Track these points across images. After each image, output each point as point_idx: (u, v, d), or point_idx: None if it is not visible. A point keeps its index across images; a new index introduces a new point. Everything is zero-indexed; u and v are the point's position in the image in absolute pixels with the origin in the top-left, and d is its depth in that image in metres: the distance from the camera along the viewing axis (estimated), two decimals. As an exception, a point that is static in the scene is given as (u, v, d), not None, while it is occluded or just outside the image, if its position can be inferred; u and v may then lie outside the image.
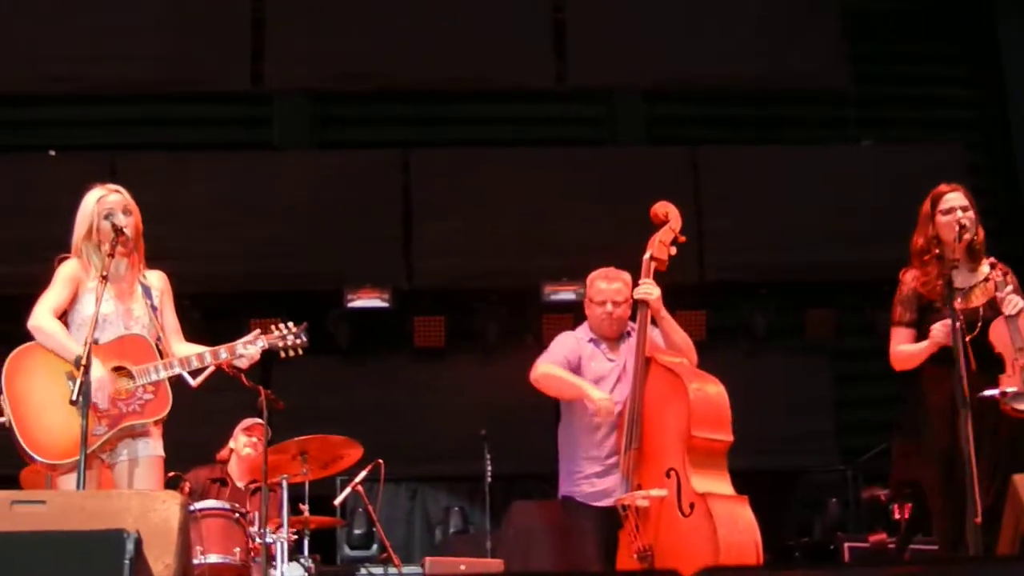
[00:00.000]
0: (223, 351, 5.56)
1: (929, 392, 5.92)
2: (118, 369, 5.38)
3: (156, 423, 5.44)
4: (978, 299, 5.93)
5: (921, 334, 5.93)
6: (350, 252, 11.14)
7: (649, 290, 6.11)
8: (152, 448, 5.47)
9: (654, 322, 6.14)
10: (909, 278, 6.05)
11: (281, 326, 5.73)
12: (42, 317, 5.41)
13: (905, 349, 5.97)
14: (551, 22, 11.84)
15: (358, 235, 11.14)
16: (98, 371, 5.21)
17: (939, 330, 5.74)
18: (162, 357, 5.48)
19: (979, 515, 5.32)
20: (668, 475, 5.71)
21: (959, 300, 5.77)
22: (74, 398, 5.03)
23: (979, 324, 5.80)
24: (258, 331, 5.71)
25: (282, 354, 5.72)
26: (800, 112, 12.24)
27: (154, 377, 5.37)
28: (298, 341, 5.72)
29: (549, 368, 6.17)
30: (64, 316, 5.51)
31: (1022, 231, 10.91)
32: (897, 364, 6.05)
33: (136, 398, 5.34)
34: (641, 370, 5.96)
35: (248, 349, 5.59)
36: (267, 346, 5.66)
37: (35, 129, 11.74)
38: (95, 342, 5.20)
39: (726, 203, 11.32)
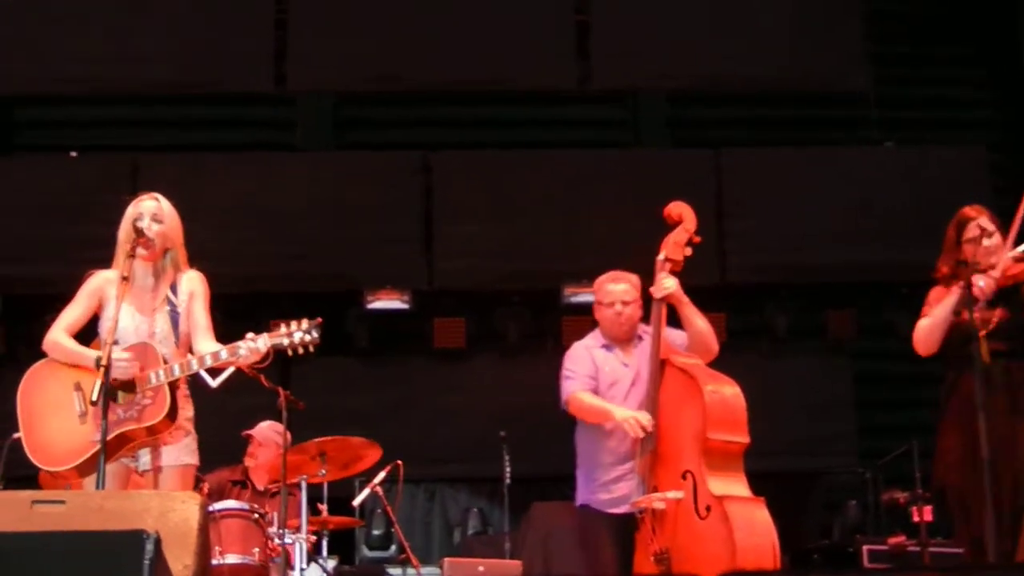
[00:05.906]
0: (224, 351, 5.34)
1: (946, 398, 5.93)
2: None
3: (157, 428, 5.30)
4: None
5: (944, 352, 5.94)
6: (370, 253, 11.16)
7: (667, 284, 6.07)
8: (175, 457, 5.43)
9: (671, 317, 6.11)
10: (933, 298, 6.04)
11: (292, 323, 5.37)
12: (54, 334, 5.49)
13: (923, 323, 5.92)
14: (574, 24, 11.82)
15: (379, 236, 11.18)
16: (116, 352, 5.20)
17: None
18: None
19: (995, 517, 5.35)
20: (684, 477, 5.70)
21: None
22: (95, 398, 5.01)
23: (993, 320, 5.80)
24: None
25: (289, 352, 5.36)
26: (822, 114, 12.25)
27: (154, 382, 5.28)
28: (307, 338, 5.33)
29: (577, 396, 6.13)
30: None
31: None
32: (919, 344, 5.97)
33: (135, 404, 5.28)
34: (656, 372, 5.94)
35: (250, 347, 5.31)
36: (270, 344, 5.33)
37: (57, 130, 11.81)
38: (115, 343, 5.21)
39: (748, 205, 11.32)
